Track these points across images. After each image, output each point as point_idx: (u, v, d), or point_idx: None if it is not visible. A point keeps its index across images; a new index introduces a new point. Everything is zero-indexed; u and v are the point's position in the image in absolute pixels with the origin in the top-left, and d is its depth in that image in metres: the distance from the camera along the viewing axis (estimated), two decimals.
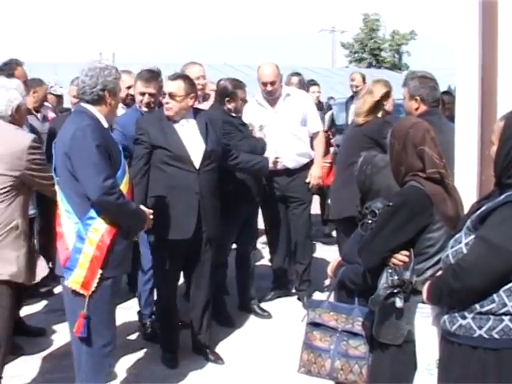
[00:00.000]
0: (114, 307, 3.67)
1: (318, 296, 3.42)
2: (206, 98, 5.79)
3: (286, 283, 6.11)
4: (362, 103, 4.99)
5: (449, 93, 6.89)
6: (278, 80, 5.73)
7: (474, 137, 3.57)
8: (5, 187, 3.67)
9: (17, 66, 5.35)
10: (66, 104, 7.54)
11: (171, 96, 4.40)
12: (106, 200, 3.37)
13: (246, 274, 5.65)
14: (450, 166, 3.18)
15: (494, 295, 2.42)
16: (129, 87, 5.26)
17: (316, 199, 7.15)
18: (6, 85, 3.93)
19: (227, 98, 5.24)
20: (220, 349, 4.88)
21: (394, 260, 2.84)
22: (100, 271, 3.42)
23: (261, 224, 6.06)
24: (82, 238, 3.41)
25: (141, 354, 4.84)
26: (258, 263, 6.43)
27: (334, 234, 7.43)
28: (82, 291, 3.42)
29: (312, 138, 5.98)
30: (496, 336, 2.41)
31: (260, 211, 5.97)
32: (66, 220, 3.46)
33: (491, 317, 2.42)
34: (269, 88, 5.65)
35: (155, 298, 4.96)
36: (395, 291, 2.80)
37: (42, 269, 4.04)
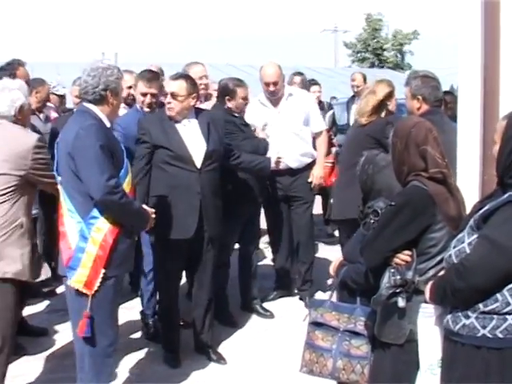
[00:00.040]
0: (116, 307, 3.68)
1: (320, 296, 3.42)
2: (208, 97, 5.80)
3: (288, 283, 6.11)
4: (365, 103, 4.99)
5: (451, 92, 6.89)
6: (281, 80, 5.73)
7: (476, 136, 3.57)
8: (9, 186, 3.69)
9: (19, 66, 5.36)
10: (69, 104, 7.54)
11: (173, 96, 4.41)
12: (109, 199, 3.38)
13: (249, 273, 5.65)
14: (452, 165, 3.18)
15: (498, 294, 2.42)
16: (130, 87, 5.26)
17: (318, 199, 7.14)
18: (9, 85, 3.94)
19: (227, 97, 5.25)
20: (222, 348, 4.89)
21: (396, 260, 2.84)
22: (103, 270, 3.42)
23: (263, 224, 6.07)
24: (85, 237, 3.42)
25: (143, 353, 4.85)
26: (260, 263, 6.44)
27: (337, 233, 7.43)
28: (84, 291, 3.42)
29: (314, 137, 5.98)
30: (500, 335, 2.41)
31: (262, 211, 5.98)
32: (69, 219, 3.47)
33: (495, 316, 2.42)
34: (271, 88, 5.65)
35: (158, 297, 4.96)
36: (397, 291, 2.80)
37: (44, 272, 4.04)
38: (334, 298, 3.29)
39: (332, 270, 3.40)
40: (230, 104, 5.24)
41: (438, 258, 2.80)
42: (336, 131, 8.40)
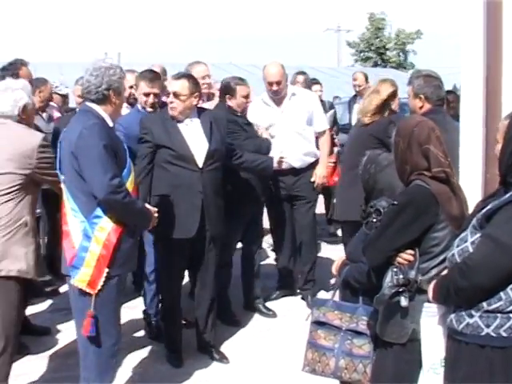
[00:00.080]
0: (119, 306, 3.69)
1: (323, 295, 3.43)
2: (210, 97, 5.80)
3: (291, 282, 6.11)
4: (369, 102, 4.98)
5: (453, 92, 6.89)
6: (284, 79, 5.73)
7: (478, 136, 3.57)
8: (14, 185, 3.70)
9: (22, 66, 5.36)
10: (72, 104, 7.55)
11: (175, 95, 4.41)
12: (112, 198, 3.39)
13: (251, 273, 5.65)
14: (455, 164, 3.18)
15: (501, 293, 2.42)
16: (131, 87, 5.26)
17: (320, 198, 7.14)
18: (12, 85, 3.95)
19: (228, 95, 5.25)
20: (225, 348, 4.89)
21: (399, 259, 2.84)
22: (106, 270, 3.43)
23: (266, 223, 6.07)
24: (89, 236, 3.42)
25: (146, 352, 4.86)
26: (263, 262, 6.44)
27: (339, 233, 7.43)
28: (88, 290, 3.43)
29: (317, 137, 5.98)
30: (504, 334, 2.41)
31: (265, 210, 5.98)
32: (72, 219, 3.48)
33: (498, 315, 2.42)
34: (274, 88, 5.64)
35: (160, 297, 4.96)
36: (400, 290, 2.80)
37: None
38: (337, 298, 3.30)
39: (334, 269, 3.40)
40: (230, 102, 5.24)
41: (441, 258, 2.80)
42: (337, 130, 8.40)
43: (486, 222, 2.46)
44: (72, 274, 3.46)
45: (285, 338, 5.01)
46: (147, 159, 4.46)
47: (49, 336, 5.11)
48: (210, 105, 5.46)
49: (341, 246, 5.67)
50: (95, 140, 3.36)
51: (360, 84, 8.56)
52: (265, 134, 5.48)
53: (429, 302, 2.72)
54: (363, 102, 5.15)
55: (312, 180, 5.83)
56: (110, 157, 3.39)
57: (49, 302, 5.86)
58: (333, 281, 5.24)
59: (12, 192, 3.69)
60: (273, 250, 6.57)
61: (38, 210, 5.00)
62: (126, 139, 4.35)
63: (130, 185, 3.54)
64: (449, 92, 6.04)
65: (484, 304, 2.44)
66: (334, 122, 8.42)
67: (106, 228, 3.43)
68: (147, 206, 3.80)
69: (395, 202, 2.89)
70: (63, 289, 5.64)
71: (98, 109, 3.51)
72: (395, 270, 2.83)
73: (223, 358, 4.70)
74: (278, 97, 5.72)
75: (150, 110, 4.91)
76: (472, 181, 3.49)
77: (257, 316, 5.61)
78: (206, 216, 4.44)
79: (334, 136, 7.99)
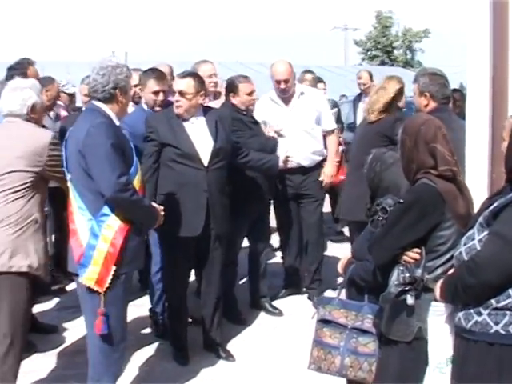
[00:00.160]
0: (126, 304, 3.70)
1: (329, 294, 3.43)
2: (217, 96, 5.80)
3: (297, 281, 6.10)
4: (376, 99, 4.97)
5: (459, 90, 6.87)
6: (292, 78, 5.72)
7: (484, 134, 3.57)
8: (25, 183, 3.74)
9: (29, 66, 5.38)
10: (79, 103, 7.56)
11: (181, 94, 4.42)
12: (120, 197, 3.40)
13: (258, 272, 5.65)
14: (460, 163, 3.17)
15: (510, 290, 2.42)
16: (136, 85, 5.26)
17: (326, 197, 7.13)
18: (21, 85, 3.98)
19: (231, 93, 5.25)
20: (231, 346, 4.90)
21: (405, 257, 2.84)
22: (114, 268, 3.44)
23: (273, 222, 6.07)
24: (96, 234, 3.44)
25: (152, 350, 4.88)
26: (270, 261, 6.44)
27: (346, 231, 7.42)
28: (96, 288, 3.44)
29: (325, 136, 5.97)
30: None
31: (272, 209, 5.98)
32: (80, 217, 3.49)
33: (507, 312, 2.42)
34: (282, 86, 5.63)
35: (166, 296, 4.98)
36: (406, 288, 2.80)
37: None
38: (343, 296, 3.30)
39: (340, 267, 3.40)
40: (234, 100, 5.24)
41: (447, 256, 2.80)
42: (341, 129, 8.39)
43: (493, 220, 2.46)
44: (80, 272, 3.47)
45: (291, 337, 5.02)
46: (153, 158, 4.47)
47: (56, 334, 5.13)
48: (216, 103, 5.46)
49: (347, 245, 5.67)
50: (103, 138, 3.37)
51: (365, 82, 8.55)
52: (271, 133, 5.48)
53: (436, 300, 2.72)
54: (370, 100, 5.13)
55: (321, 179, 5.82)
56: (118, 155, 3.41)
57: (56, 300, 5.89)
58: (339, 280, 5.24)
59: (22, 190, 3.73)
60: (279, 249, 6.58)
61: (46, 209, 5.03)
62: (131, 138, 4.36)
63: (136, 183, 3.56)
64: (455, 90, 6.02)
65: (492, 301, 2.44)
66: (338, 120, 8.41)
67: (113, 226, 3.44)
68: (153, 204, 3.81)
69: (401, 201, 2.89)
70: (70, 287, 5.67)
71: (105, 107, 3.53)
72: (401, 268, 2.82)
73: (229, 356, 4.71)
74: (285, 95, 5.71)
75: (158, 108, 4.90)
76: (478, 179, 3.49)
77: (263, 314, 5.61)
78: (212, 215, 4.45)
79: (339, 135, 7.98)
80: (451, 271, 2.69)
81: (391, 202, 3.03)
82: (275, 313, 5.62)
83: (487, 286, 2.44)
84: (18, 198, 3.72)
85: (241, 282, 6.14)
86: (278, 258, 6.84)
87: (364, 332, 3.11)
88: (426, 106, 4.33)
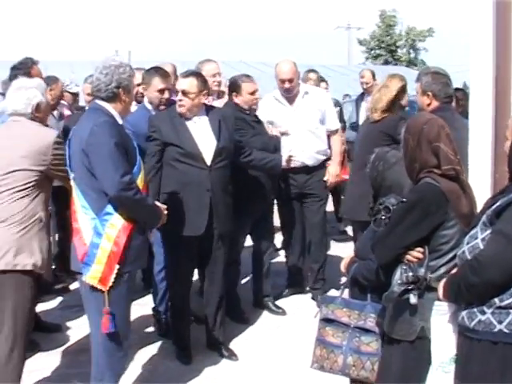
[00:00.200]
0: (130, 302, 3.71)
1: (333, 293, 3.43)
2: (220, 95, 5.80)
3: (300, 280, 6.11)
4: (379, 98, 4.96)
5: (462, 89, 6.85)
6: (296, 77, 5.72)
7: (488, 134, 3.57)
8: (30, 182, 3.75)
9: (32, 65, 5.38)
10: (82, 102, 7.58)
11: (184, 93, 4.42)
12: (124, 196, 3.40)
13: (261, 271, 5.66)
14: (464, 162, 3.17)
15: None
16: (139, 84, 5.26)
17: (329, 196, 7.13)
18: (26, 84, 4.00)
19: (234, 93, 5.26)
20: (234, 345, 4.91)
21: (408, 256, 2.83)
22: (117, 266, 3.44)
23: (277, 221, 6.07)
24: (100, 233, 3.44)
25: (156, 349, 4.88)
26: (273, 260, 6.44)
27: (349, 230, 7.42)
28: (99, 286, 3.45)
29: (329, 135, 5.97)
30: None
31: (276, 208, 5.98)
32: (83, 216, 3.50)
33: (511, 311, 2.42)
34: (286, 85, 5.63)
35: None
36: (409, 288, 2.80)
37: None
38: (346, 295, 3.30)
39: (343, 266, 3.41)
40: (237, 100, 5.24)
41: (450, 255, 2.80)
42: (343, 128, 8.38)
43: (496, 219, 2.46)
44: (84, 271, 3.48)
45: (294, 336, 5.02)
46: (156, 157, 4.47)
47: (59, 333, 5.14)
48: (220, 103, 5.46)
49: (351, 244, 5.67)
50: (106, 137, 3.38)
51: (367, 81, 8.54)
52: (274, 132, 5.48)
53: (439, 300, 2.72)
54: (373, 98, 5.11)
55: (325, 179, 5.82)
56: (121, 154, 3.41)
57: (59, 299, 5.90)
58: (343, 279, 5.24)
59: (27, 188, 3.75)
60: (282, 248, 6.58)
61: (49, 207, 5.04)
62: (134, 137, 4.37)
63: (140, 182, 3.56)
64: (457, 89, 6.01)
65: (496, 300, 2.44)
66: (340, 119, 8.41)
67: (116, 225, 3.45)
68: (157, 203, 3.81)
69: (404, 200, 2.89)
70: (73, 286, 5.68)
71: (108, 107, 3.53)
72: (404, 267, 2.82)
73: (232, 355, 4.71)
74: (290, 95, 5.70)
75: (163, 107, 4.89)
76: (481, 178, 3.49)
77: (266, 313, 5.61)
78: (215, 214, 4.45)
79: (341, 134, 7.98)
80: (454, 270, 2.68)
81: (394, 201, 3.02)
82: (278, 312, 5.62)
83: (490, 285, 2.44)
84: (23, 196, 3.73)
85: (244, 281, 6.15)
86: (281, 257, 6.85)
87: (367, 331, 3.11)
88: (429, 105, 4.33)
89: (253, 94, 5.27)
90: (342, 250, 6.39)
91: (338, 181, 6.08)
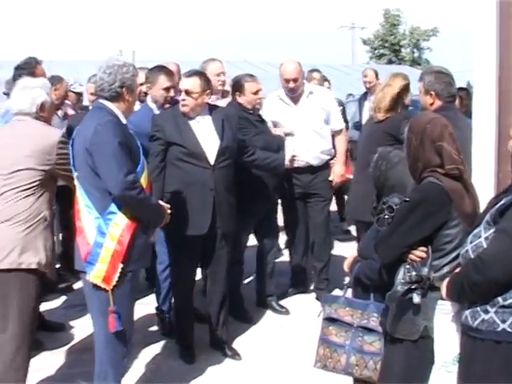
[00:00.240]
0: (133, 301, 3.72)
1: (337, 293, 3.43)
2: (224, 94, 5.80)
3: (304, 280, 6.11)
4: (382, 97, 4.95)
5: (465, 89, 6.84)
6: (301, 77, 5.72)
7: (491, 134, 3.57)
8: (35, 181, 3.76)
9: (37, 65, 5.39)
10: (86, 102, 7.59)
11: (187, 93, 4.43)
12: (127, 195, 3.41)
13: (264, 270, 5.66)
14: (467, 162, 3.17)
15: None
16: (142, 84, 5.26)
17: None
18: (30, 84, 4.02)
19: (237, 92, 5.26)
20: (237, 344, 4.91)
21: (411, 256, 2.83)
22: (121, 265, 3.45)
23: (281, 221, 6.07)
24: (103, 232, 3.45)
25: (159, 348, 4.89)
26: (277, 260, 6.44)
27: (352, 230, 7.41)
28: (103, 285, 3.45)
29: (333, 135, 5.96)
30: None
31: (280, 208, 5.98)
32: (86, 215, 3.50)
33: None
34: (291, 85, 5.63)
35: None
36: (413, 287, 2.79)
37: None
38: (349, 294, 3.30)
39: (346, 266, 3.41)
40: (240, 99, 5.25)
41: (453, 255, 2.79)
42: (346, 127, 8.37)
43: (500, 217, 2.46)
44: (87, 270, 3.48)
45: (298, 335, 5.02)
46: (160, 157, 4.47)
47: (63, 332, 5.16)
48: (224, 102, 5.46)
49: (354, 244, 5.66)
50: (110, 137, 3.39)
51: (370, 81, 8.54)
52: (278, 131, 5.48)
53: (442, 299, 2.72)
54: (376, 97, 5.09)
55: (330, 179, 5.82)
56: (125, 153, 3.42)
57: (63, 298, 5.92)
58: (347, 279, 5.24)
59: (32, 188, 3.76)
60: (286, 248, 6.58)
61: (54, 207, 5.05)
62: (136, 136, 4.38)
63: (143, 181, 3.57)
64: (461, 89, 6.00)
65: (499, 299, 2.44)
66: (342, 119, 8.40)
67: (120, 224, 3.45)
68: (160, 202, 3.82)
69: (407, 199, 2.88)
70: (77, 285, 5.69)
71: (112, 106, 3.54)
72: (408, 266, 2.82)
73: (235, 355, 4.72)
74: (294, 95, 5.70)
75: (168, 105, 4.89)
76: (485, 178, 3.49)
77: (269, 313, 5.62)
78: (218, 213, 4.46)
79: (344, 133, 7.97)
80: (458, 270, 2.68)
81: (397, 200, 3.03)
82: (282, 311, 5.63)
83: (494, 284, 2.44)
84: (28, 195, 3.75)
85: (248, 280, 6.15)
86: (285, 256, 6.85)
87: (370, 330, 3.11)
88: (432, 104, 4.32)
89: (256, 93, 5.27)
90: (346, 250, 6.38)
91: (342, 180, 6.08)
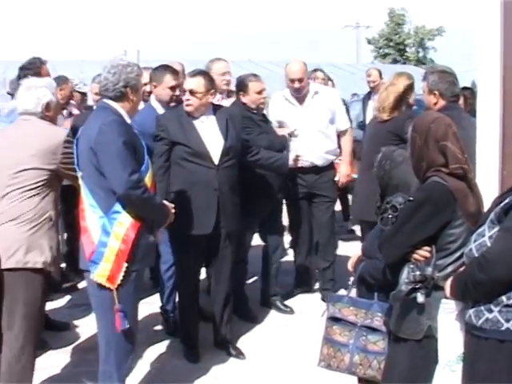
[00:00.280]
0: (137, 301, 3.72)
1: (342, 293, 3.43)
2: (229, 94, 5.80)
3: (308, 280, 6.11)
4: (386, 96, 4.94)
5: (470, 88, 6.83)
6: (306, 77, 5.72)
7: (495, 133, 3.57)
8: (40, 180, 3.77)
9: (41, 65, 5.40)
10: (90, 102, 7.61)
11: (191, 93, 4.43)
12: (132, 194, 3.41)
13: (268, 270, 5.66)
14: (471, 161, 3.17)
15: None
16: (146, 84, 5.25)
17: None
18: (36, 84, 4.02)
19: (241, 92, 5.26)
20: (242, 344, 4.91)
21: (415, 255, 2.83)
22: (125, 265, 3.45)
23: (286, 221, 6.07)
24: (108, 231, 3.45)
25: (163, 348, 4.89)
26: (282, 260, 6.44)
27: (357, 229, 7.40)
28: (107, 285, 3.46)
29: (339, 135, 5.96)
30: None
31: (285, 208, 5.98)
32: (91, 214, 3.51)
33: None
34: (296, 85, 5.62)
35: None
36: (417, 287, 2.79)
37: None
38: (353, 294, 3.30)
39: (350, 265, 3.41)
40: (244, 99, 5.25)
41: (457, 254, 2.79)
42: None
43: (504, 216, 2.46)
44: (92, 269, 3.49)
45: (302, 335, 5.02)
46: (164, 157, 4.47)
47: (68, 331, 5.17)
48: (229, 102, 5.47)
49: (358, 243, 5.65)
50: (114, 136, 3.39)
51: (374, 80, 8.53)
52: (282, 131, 5.48)
53: (446, 298, 2.72)
54: (380, 97, 5.08)
55: (336, 179, 5.82)
56: (129, 153, 3.42)
57: (67, 297, 5.92)
58: (351, 279, 5.23)
59: (38, 187, 3.77)
60: (291, 247, 6.57)
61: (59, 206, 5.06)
62: (140, 136, 4.38)
63: (148, 180, 3.57)
64: (465, 88, 6.00)
65: (503, 298, 2.44)
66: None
67: (124, 223, 3.46)
68: (165, 201, 3.83)
69: (411, 199, 2.88)
70: (81, 285, 5.70)
71: (116, 106, 3.54)
72: (412, 266, 2.82)
73: (240, 354, 4.72)
74: (300, 95, 5.69)
75: (173, 104, 4.89)
76: (489, 177, 3.49)
77: (274, 312, 5.62)
78: (222, 213, 4.46)
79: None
80: (462, 269, 2.68)
81: (401, 200, 3.02)
82: (286, 311, 5.63)
83: (497, 282, 2.44)
84: (33, 195, 3.76)
85: (252, 280, 6.15)
86: (289, 256, 6.84)
87: (373, 330, 3.12)
88: (435, 104, 4.32)
89: (260, 93, 5.27)
90: (350, 250, 6.37)
91: (348, 180, 6.08)
